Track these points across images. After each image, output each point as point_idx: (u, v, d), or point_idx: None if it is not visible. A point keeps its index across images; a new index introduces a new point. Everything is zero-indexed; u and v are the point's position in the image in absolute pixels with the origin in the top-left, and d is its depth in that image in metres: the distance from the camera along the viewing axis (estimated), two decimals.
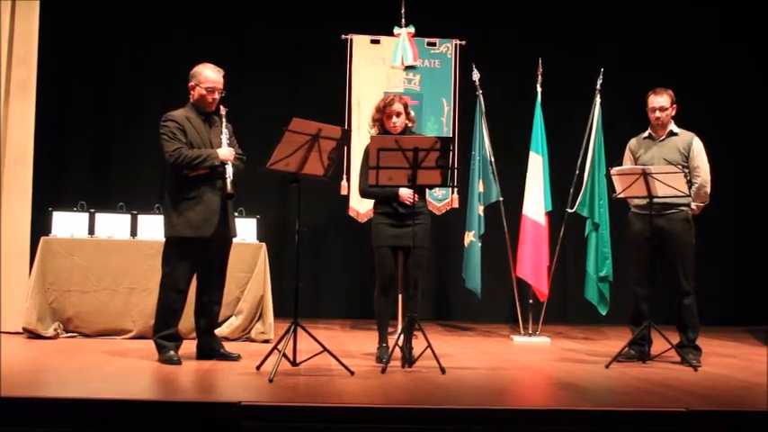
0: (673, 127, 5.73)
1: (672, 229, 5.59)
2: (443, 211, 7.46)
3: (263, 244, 6.47)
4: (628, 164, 5.84)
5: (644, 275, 5.68)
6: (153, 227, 6.34)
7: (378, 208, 5.41)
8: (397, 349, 5.12)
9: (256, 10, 8.40)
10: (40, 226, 6.50)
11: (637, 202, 5.73)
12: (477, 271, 7.19)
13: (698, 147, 5.67)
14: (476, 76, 7.19)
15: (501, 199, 7.16)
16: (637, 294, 5.71)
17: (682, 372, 5.23)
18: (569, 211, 7.12)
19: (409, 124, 5.41)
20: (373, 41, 7.50)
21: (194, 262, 5.12)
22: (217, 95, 5.15)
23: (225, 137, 5.12)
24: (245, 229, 6.43)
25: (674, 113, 5.73)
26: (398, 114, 5.32)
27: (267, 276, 6.40)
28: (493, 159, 7.17)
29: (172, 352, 5.06)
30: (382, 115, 5.37)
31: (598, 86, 7.07)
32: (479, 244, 7.18)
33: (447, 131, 7.40)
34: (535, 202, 7.15)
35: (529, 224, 7.14)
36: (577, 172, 7.13)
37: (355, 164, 7.15)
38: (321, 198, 7.95)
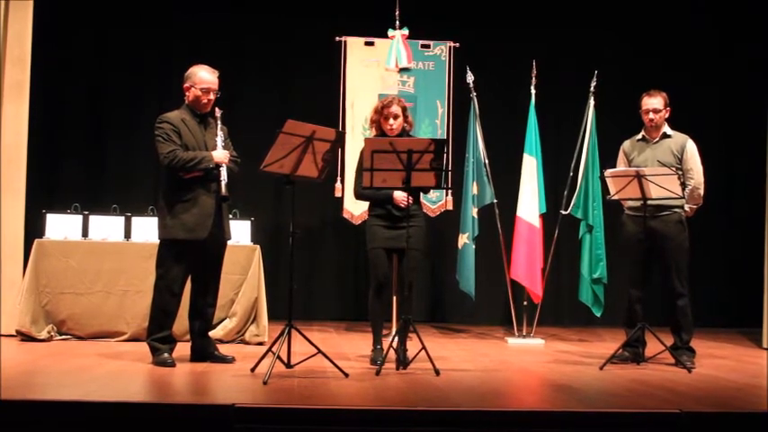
0: (666, 129, 5.75)
1: (665, 231, 5.61)
2: (437, 214, 7.47)
3: (258, 246, 6.46)
4: (621, 166, 5.85)
5: (638, 277, 5.69)
6: (147, 229, 6.33)
7: (372, 210, 5.41)
8: (392, 351, 5.12)
9: (251, 12, 8.40)
10: (34, 228, 6.48)
11: (630, 203, 5.74)
12: (472, 273, 7.19)
13: (691, 149, 5.69)
14: (470, 78, 7.20)
15: (495, 201, 7.17)
16: (631, 296, 5.73)
17: (676, 373, 5.25)
18: (563, 212, 7.13)
19: (407, 127, 5.41)
20: (367, 44, 7.51)
21: (189, 264, 5.12)
22: (212, 96, 5.15)
23: (220, 139, 5.11)
24: (240, 231, 6.42)
25: (667, 116, 5.74)
26: (396, 116, 5.32)
27: (261, 278, 6.39)
28: (487, 161, 7.18)
29: (166, 354, 5.05)
30: (380, 117, 5.36)
31: (592, 88, 7.09)
32: (473, 246, 7.18)
33: (441, 133, 7.41)
34: (529, 204, 7.15)
35: (523, 226, 7.15)
36: (571, 174, 7.14)
37: (349, 166, 7.17)
38: (315, 200, 7.95)
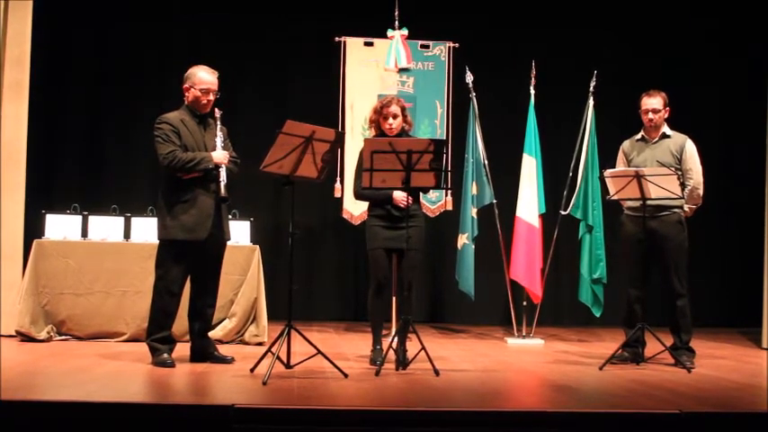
0: (666, 129, 5.74)
1: (665, 231, 5.61)
2: (437, 214, 7.47)
3: (257, 246, 6.46)
4: (621, 166, 5.85)
5: (637, 277, 5.69)
6: (146, 229, 6.33)
7: (372, 210, 5.41)
8: (391, 351, 5.12)
9: (251, 12, 8.39)
10: (33, 228, 6.48)
11: (630, 204, 5.74)
12: (471, 273, 7.19)
13: (690, 149, 5.69)
14: (469, 78, 7.20)
15: (494, 201, 7.17)
16: (630, 296, 5.73)
17: (675, 374, 5.25)
18: (563, 213, 7.13)
19: (406, 127, 5.41)
20: (367, 44, 7.51)
21: (188, 265, 5.11)
22: (211, 97, 5.15)
23: (219, 139, 5.11)
24: (239, 231, 6.41)
25: (666, 116, 5.74)
26: (395, 116, 5.32)
27: (261, 279, 6.39)
28: (486, 161, 7.18)
29: (165, 355, 5.05)
30: (379, 116, 5.37)
31: (591, 88, 7.09)
32: (473, 246, 7.18)
33: (440, 134, 7.41)
34: (528, 205, 7.15)
35: (522, 226, 7.15)
36: (570, 174, 7.15)
37: (349, 166, 7.17)
38: (315, 200, 7.95)
